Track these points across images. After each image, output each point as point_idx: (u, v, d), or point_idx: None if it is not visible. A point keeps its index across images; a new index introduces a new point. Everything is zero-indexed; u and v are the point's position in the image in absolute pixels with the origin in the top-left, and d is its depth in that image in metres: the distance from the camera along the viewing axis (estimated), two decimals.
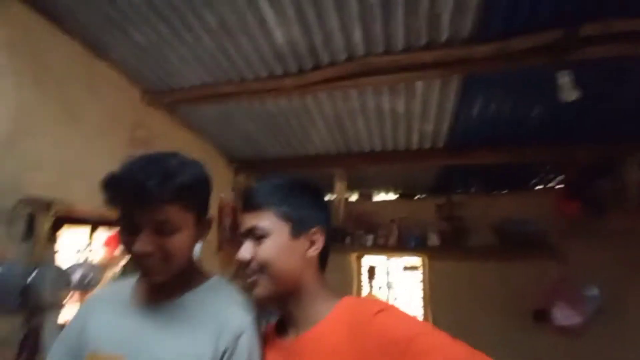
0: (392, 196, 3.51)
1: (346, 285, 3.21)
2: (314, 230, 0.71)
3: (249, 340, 0.68)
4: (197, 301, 0.72)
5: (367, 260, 3.59)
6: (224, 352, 0.66)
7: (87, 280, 1.53)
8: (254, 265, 0.68)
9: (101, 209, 1.60)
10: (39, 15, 1.47)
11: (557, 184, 2.80)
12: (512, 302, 2.59)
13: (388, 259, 3.93)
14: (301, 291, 0.69)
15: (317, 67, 1.69)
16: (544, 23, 1.33)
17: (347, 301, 0.69)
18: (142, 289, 0.75)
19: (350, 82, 1.73)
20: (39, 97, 1.47)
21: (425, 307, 3.08)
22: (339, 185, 2.81)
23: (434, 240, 2.96)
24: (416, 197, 3.25)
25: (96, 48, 1.69)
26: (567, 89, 1.42)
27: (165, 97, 2.03)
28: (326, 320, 0.66)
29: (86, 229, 1.60)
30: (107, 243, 2.11)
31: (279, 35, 1.50)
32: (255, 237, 0.69)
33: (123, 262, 2.06)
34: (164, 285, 0.71)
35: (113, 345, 0.69)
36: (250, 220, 0.70)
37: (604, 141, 2.09)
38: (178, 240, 0.67)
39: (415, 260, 3.54)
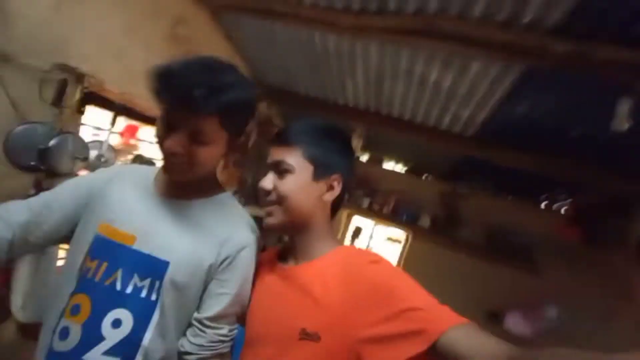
0: (400, 168, 3.51)
1: None
2: (334, 176, 0.74)
3: (249, 255, 0.74)
4: (210, 208, 0.76)
5: (356, 220, 3.71)
6: (225, 260, 0.72)
7: (103, 160, 1.56)
8: (272, 196, 0.72)
9: (126, 95, 1.59)
10: None
11: (564, 206, 2.82)
12: (473, 298, 2.69)
13: (375, 225, 4.06)
14: (309, 229, 0.74)
15: (380, 11, 1.58)
16: (633, 40, 1.23)
17: (347, 248, 0.76)
18: (162, 181, 0.77)
19: (408, 39, 1.63)
20: None
21: None
22: (355, 142, 2.79)
23: (425, 221, 3.04)
24: (423, 176, 3.26)
25: None
26: (621, 118, 1.36)
27: None
28: (325, 257, 0.71)
29: (109, 112, 1.59)
30: (125, 131, 2.13)
31: None
32: (279, 171, 0.72)
33: (134, 153, 2.10)
34: (183, 184, 0.74)
35: (128, 225, 0.71)
36: (279, 154, 0.72)
37: (633, 180, 2.06)
38: (206, 152, 0.68)
39: (400, 234, 3.66)
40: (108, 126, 1.59)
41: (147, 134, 2.33)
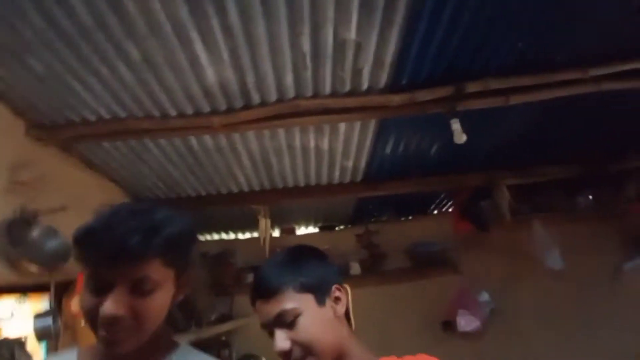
0: (313, 229, 3.59)
1: None
2: (333, 288, 0.71)
3: None
4: None
5: None
6: None
7: None
8: (297, 352, 0.65)
9: None
10: None
11: (450, 208, 3.32)
12: (426, 317, 2.86)
13: None
14: (343, 353, 0.68)
15: (247, 106, 1.70)
16: (440, 80, 1.64)
17: (388, 358, 0.68)
18: None
19: (279, 122, 1.78)
20: None
21: None
22: (264, 222, 2.76)
23: (355, 269, 3.11)
24: (336, 229, 3.41)
25: None
26: (458, 134, 1.75)
27: (61, 132, 1.74)
28: None
29: None
30: None
31: (210, 75, 1.48)
32: (285, 323, 0.66)
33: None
34: (129, 356, 0.60)
35: None
36: (273, 308, 0.66)
37: (484, 171, 2.61)
38: (156, 301, 0.59)
39: None
40: None
41: (4, 308, 1.81)
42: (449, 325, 2.80)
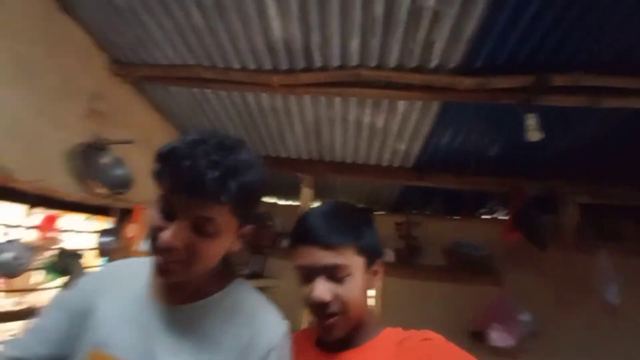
0: None
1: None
2: (378, 261, 0.70)
3: (279, 356, 0.61)
4: (224, 306, 0.63)
5: None
6: None
7: (20, 262, 1.31)
8: (335, 306, 0.63)
9: (41, 183, 1.41)
10: None
11: (502, 215, 3.06)
12: (453, 322, 2.70)
13: None
14: (361, 321, 0.68)
15: (308, 68, 1.67)
16: (521, 67, 1.45)
17: (394, 330, 0.69)
18: (159, 283, 0.65)
19: (337, 90, 1.74)
20: None
21: None
22: (306, 192, 2.78)
23: (390, 256, 3.03)
24: (376, 213, 3.33)
25: (64, 1, 1.51)
26: (533, 130, 1.55)
27: (136, 71, 1.87)
28: (375, 341, 0.66)
29: (21, 205, 1.38)
30: (43, 223, 1.85)
31: (276, 29, 1.46)
32: (335, 276, 0.63)
33: (57, 247, 1.82)
34: (183, 284, 0.62)
35: (122, 348, 0.59)
36: (327, 258, 0.63)
37: (550, 180, 2.33)
38: (213, 245, 0.58)
39: None
40: (22, 221, 1.37)
41: (69, 222, 2.06)
42: (478, 336, 2.63)
